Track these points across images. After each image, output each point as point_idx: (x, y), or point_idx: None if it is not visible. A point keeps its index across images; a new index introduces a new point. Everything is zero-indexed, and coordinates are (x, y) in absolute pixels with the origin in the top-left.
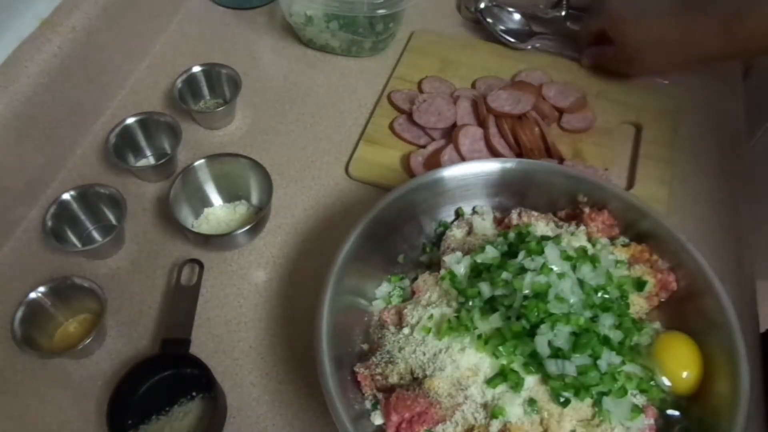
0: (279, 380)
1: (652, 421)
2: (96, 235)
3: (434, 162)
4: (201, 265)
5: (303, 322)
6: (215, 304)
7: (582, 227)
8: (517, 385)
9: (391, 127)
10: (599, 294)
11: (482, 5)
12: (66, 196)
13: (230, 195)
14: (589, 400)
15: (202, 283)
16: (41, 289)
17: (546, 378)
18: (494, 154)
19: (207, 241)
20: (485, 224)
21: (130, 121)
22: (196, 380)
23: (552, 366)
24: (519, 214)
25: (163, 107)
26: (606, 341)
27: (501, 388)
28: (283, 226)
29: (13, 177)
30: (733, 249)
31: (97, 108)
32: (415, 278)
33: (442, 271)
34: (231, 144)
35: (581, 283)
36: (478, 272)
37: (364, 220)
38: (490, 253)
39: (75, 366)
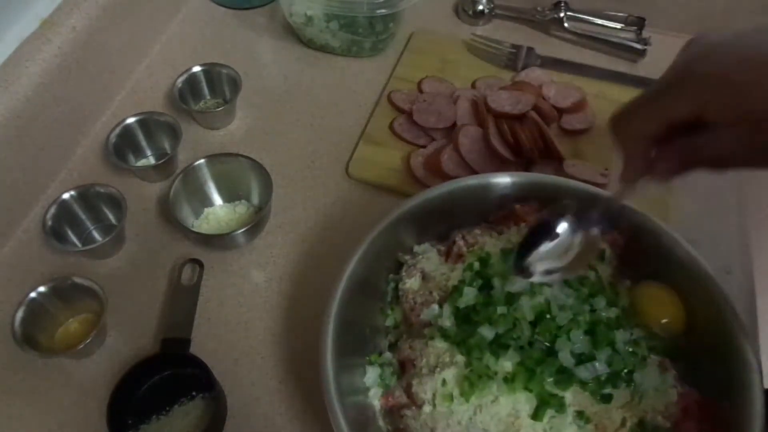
0: (279, 380)
1: (674, 372)
2: (96, 234)
3: (434, 162)
4: (201, 265)
5: (303, 321)
6: (215, 303)
7: (522, 225)
8: (561, 406)
9: (391, 127)
10: (582, 281)
11: (480, 8)
12: (66, 195)
13: (230, 195)
14: (623, 385)
15: (202, 282)
16: (42, 288)
17: (581, 384)
18: (494, 154)
19: (207, 240)
20: (432, 262)
21: (131, 120)
22: (197, 380)
23: (583, 372)
24: (463, 238)
25: (163, 107)
26: (611, 324)
27: (547, 416)
28: (283, 226)
29: (13, 177)
30: (733, 249)
31: (98, 108)
32: (393, 345)
33: (427, 331)
34: (231, 144)
35: (566, 281)
36: (465, 317)
37: (329, 325)
38: (470, 294)
39: (75, 365)
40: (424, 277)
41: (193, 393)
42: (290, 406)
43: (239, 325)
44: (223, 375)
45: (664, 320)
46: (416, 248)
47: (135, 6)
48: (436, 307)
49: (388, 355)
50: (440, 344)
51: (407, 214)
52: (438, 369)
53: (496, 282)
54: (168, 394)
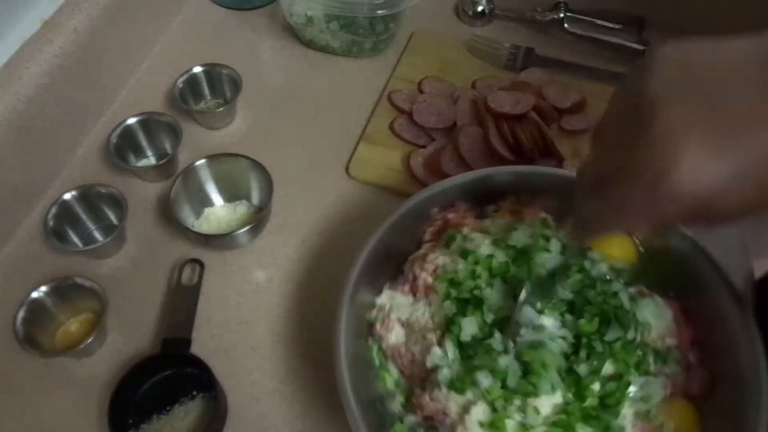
0: (279, 380)
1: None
2: (97, 235)
3: (434, 162)
4: (202, 265)
5: (304, 321)
6: (216, 303)
7: (464, 230)
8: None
9: (391, 127)
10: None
11: (480, 9)
12: (67, 196)
13: (231, 195)
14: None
15: (202, 282)
16: (43, 288)
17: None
18: (494, 154)
19: (207, 240)
20: (404, 307)
21: (131, 121)
22: (197, 380)
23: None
24: (422, 269)
25: (163, 107)
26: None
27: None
28: (283, 226)
29: (14, 177)
30: (733, 248)
31: (98, 108)
32: (405, 404)
33: (436, 376)
34: (231, 144)
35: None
36: (474, 351)
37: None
38: (471, 325)
39: (76, 365)
40: (404, 325)
41: (194, 393)
42: (290, 406)
43: (240, 325)
44: (224, 375)
45: (617, 255)
46: (379, 300)
47: (136, 7)
48: (437, 350)
49: (410, 418)
50: (478, 388)
51: (359, 272)
52: (471, 408)
53: (487, 293)
54: (168, 393)
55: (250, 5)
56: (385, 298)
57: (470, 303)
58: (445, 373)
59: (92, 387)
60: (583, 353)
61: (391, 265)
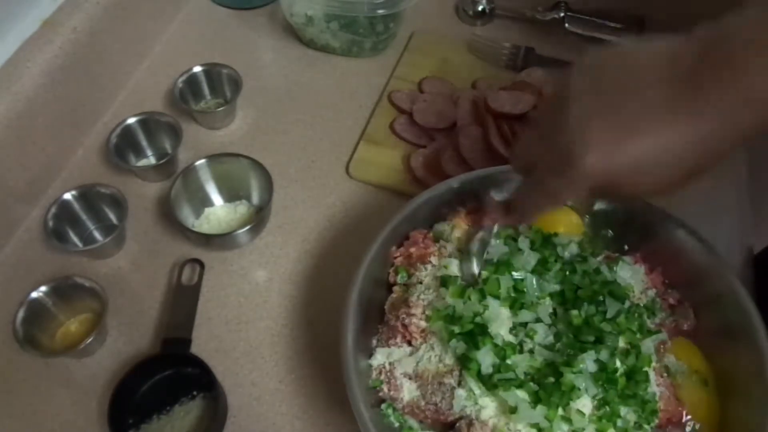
0: (279, 380)
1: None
2: (97, 234)
3: (435, 162)
4: (202, 265)
5: (304, 321)
6: (216, 303)
7: (430, 258)
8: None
9: (391, 127)
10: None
11: (480, 8)
12: (67, 195)
13: (231, 195)
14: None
15: (202, 282)
16: (43, 288)
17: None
18: (494, 154)
19: (208, 240)
20: (405, 359)
21: (131, 121)
22: (197, 380)
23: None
24: (409, 315)
25: (164, 107)
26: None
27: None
28: (283, 226)
29: (14, 177)
30: (734, 249)
31: (99, 108)
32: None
33: (463, 422)
34: (231, 144)
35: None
36: (495, 383)
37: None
38: (488, 356)
39: (76, 365)
40: (413, 378)
41: (194, 392)
42: (291, 406)
43: (240, 325)
44: (224, 375)
45: (565, 231)
46: (375, 362)
47: (136, 7)
48: (461, 392)
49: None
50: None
51: (352, 343)
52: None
53: (487, 316)
54: (169, 393)
55: (250, 5)
56: (380, 357)
57: (476, 333)
58: (477, 399)
59: (92, 387)
60: (590, 337)
61: (370, 320)
